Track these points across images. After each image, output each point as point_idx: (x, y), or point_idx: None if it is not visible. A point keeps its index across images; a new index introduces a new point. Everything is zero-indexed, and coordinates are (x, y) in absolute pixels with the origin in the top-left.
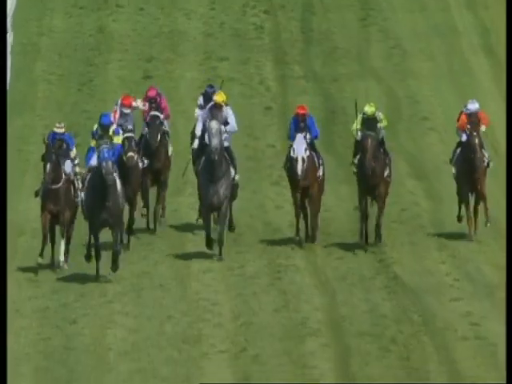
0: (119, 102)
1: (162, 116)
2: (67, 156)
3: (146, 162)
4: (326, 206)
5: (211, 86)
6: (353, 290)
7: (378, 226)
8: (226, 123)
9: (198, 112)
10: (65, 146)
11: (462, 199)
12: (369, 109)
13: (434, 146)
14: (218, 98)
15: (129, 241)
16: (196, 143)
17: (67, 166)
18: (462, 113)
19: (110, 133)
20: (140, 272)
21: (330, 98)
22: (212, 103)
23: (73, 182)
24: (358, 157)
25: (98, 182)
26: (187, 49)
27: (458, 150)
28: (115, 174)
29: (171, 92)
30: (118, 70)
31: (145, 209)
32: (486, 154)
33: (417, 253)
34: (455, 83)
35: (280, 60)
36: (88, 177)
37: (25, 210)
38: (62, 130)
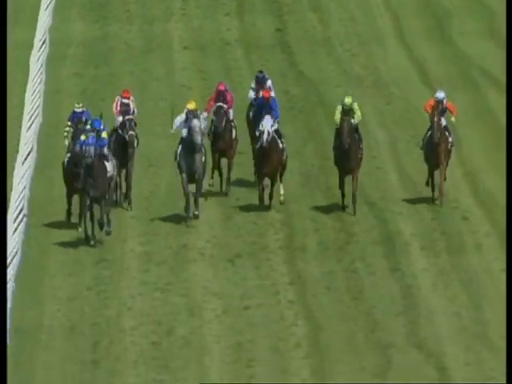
0: (120, 94)
1: (225, 106)
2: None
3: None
4: None
5: (261, 72)
6: None
7: (354, 199)
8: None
9: (251, 93)
10: (83, 120)
11: (428, 173)
12: (347, 100)
13: None
14: (191, 106)
15: (129, 200)
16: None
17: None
18: (431, 100)
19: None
20: None
21: None
22: (187, 109)
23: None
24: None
25: (81, 162)
26: None
27: (428, 135)
28: (107, 163)
29: None
30: None
31: (212, 180)
32: (450, 138)
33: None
34: None
35: None
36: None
37: (67, 31)
38: (81, 110)
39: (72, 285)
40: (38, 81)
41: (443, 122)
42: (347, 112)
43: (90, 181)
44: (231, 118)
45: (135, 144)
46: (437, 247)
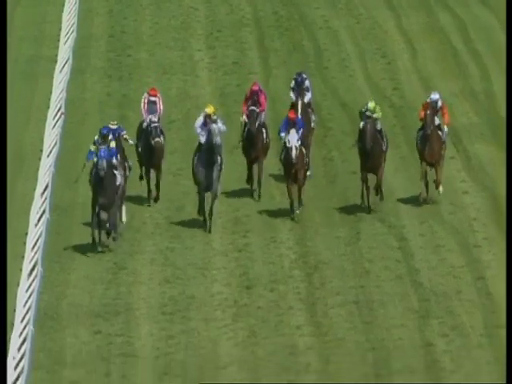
0: (147, 92)
1: (257, 110)
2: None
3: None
4: None
5: (299, 74)
6: None
7: (378, 191)
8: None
9: (292, 94)
10: (121, 134)
11: (421, 170)
12: (371, 105)
13: None
14: (209, 110)
15: (158, 196)
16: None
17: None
18: (425, 103)
19: (109, 138)
20: None
21: None
22: (204, 113)
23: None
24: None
25: (96, 174)
26: None
27: (421, 132)
28: (116, 172)
29: None
30: None
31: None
32: (443, 135)
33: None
34: None
35: None
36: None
37: None
38: (115, 126)
39: None
40: (73, 2)
41: (436, 120)
42: (368, 117)
43: (99, 189)
44: (263, 120)
45: (162, 150)
46: (397, 140)
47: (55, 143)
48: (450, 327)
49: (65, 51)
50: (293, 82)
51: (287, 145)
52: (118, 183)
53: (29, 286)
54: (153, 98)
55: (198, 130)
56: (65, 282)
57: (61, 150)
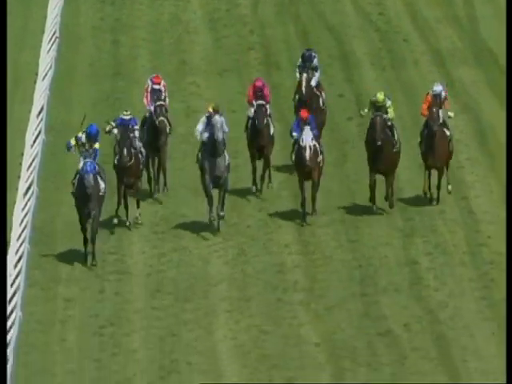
0: (150, 79)
1: (266, 105)
2: (134, 135)
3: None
4: None
5: (308, 50)
6: None
7: (387, 196)
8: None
9: (298, 74)
10: (130, 127)
11: (426, 169)
12: (379, 96)
13: None
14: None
15: (165, 183)
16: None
17: (136, 143)
18: (427, 94)
19: (95, 144)
20: None
21: None
22: (208, 111)
23: (140, 154)
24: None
25: (82, 188)
26: None
27: (425, 132)
28: (99, 178)
29: None
30: None
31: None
32: (448, 132)
33: None
34: None
35: None
36: (76, 179)
37: None
38: (129, 117)
39: (94, 93)
40: None
41: (441, 117)
42: (378, 109)
43: (84, 201)
44: (269, 113)
45: (167, 130)
46: (383, 62)
47: (50, 66)
48: (434, 245)
49: None
50: (300, 59)
51: (301, 143)
52: (102, 192)
53: (24, 205)
54: (157, 86)
55: (200, 129)
56: (59, 202)
57: (55, 73)
